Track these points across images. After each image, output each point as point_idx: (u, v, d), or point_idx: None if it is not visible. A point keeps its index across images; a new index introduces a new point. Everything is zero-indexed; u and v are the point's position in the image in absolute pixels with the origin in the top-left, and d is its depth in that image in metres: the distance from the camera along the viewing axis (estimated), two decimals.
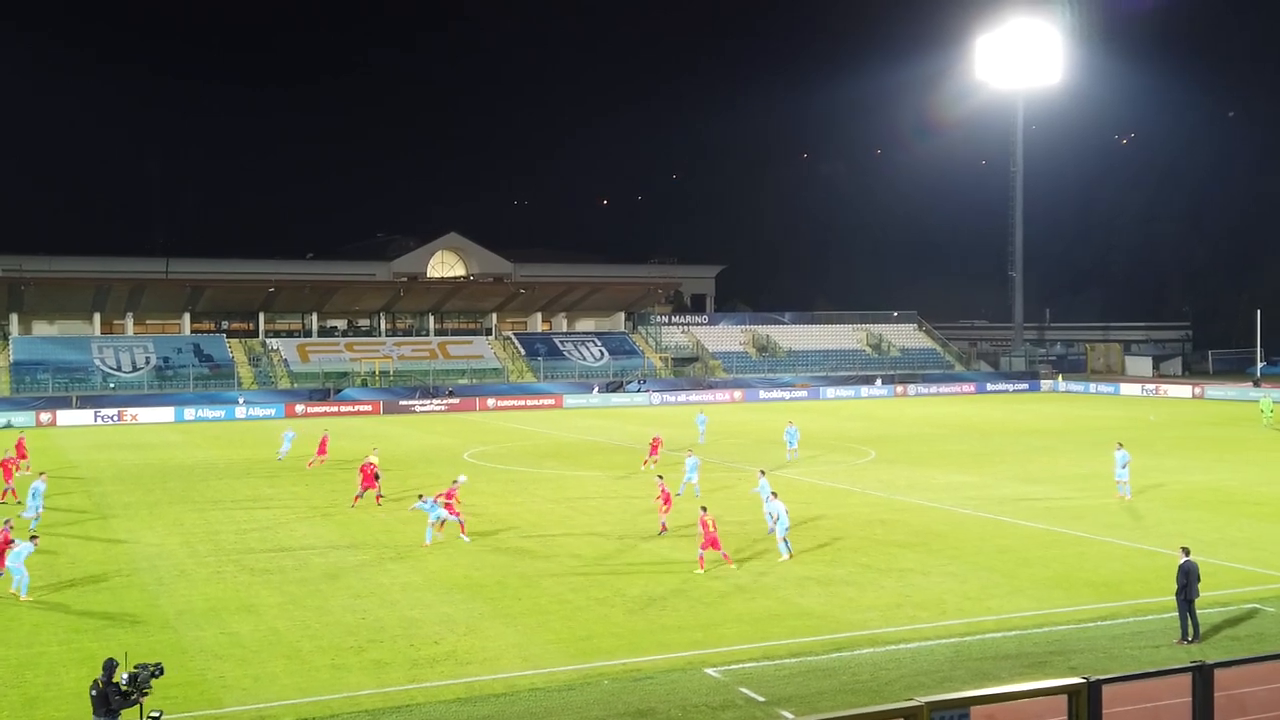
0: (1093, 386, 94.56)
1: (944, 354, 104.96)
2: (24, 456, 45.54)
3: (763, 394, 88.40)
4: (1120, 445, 37.86)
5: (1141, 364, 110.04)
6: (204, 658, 20.39)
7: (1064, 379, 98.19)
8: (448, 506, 30.90)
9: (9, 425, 64.96)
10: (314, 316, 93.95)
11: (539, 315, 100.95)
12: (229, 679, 19.23)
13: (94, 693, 15.10)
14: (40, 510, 32.72)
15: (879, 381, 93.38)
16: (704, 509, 27.81)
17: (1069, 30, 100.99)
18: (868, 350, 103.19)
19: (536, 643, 21.20)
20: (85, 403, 73.86)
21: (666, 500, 31.21)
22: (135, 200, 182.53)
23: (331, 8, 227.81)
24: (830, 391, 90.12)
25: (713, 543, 26.49)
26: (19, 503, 35.35)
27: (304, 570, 27.34)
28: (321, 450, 46.96)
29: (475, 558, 28.56)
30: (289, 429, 53.45)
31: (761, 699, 17.96)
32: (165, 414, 73.48)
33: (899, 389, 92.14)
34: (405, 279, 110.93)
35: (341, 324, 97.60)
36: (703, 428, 53.39)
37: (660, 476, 33.00)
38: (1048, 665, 19.36)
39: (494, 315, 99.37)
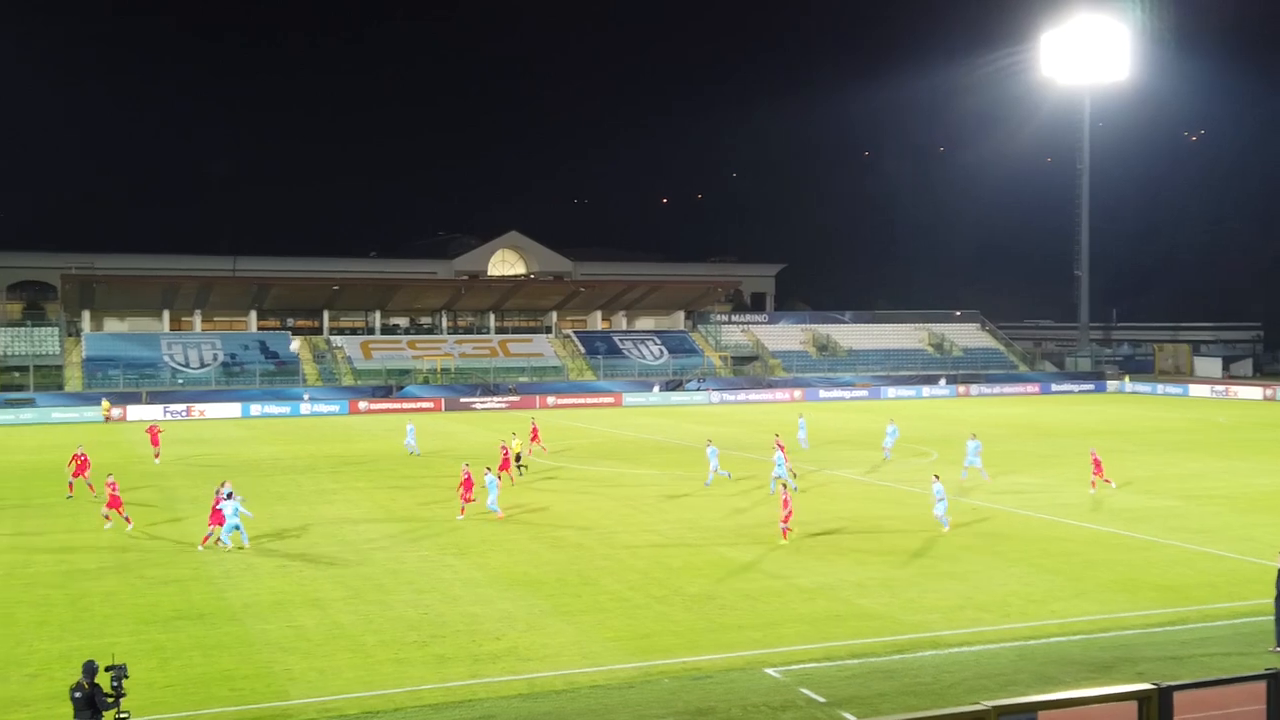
0: (1160, 388, 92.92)
1: (1007, 354, 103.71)
2: (156, 444, 49.33)
3: (823, 393, 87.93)
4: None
5: (1211, 365, 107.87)
6: (270, 650, 20.69)
7: (1131, 380, 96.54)
8: (503, 466, 37.18)
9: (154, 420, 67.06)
10: (377, 314, 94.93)
11: (599, 314, 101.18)
12: (295, 671, 19.50)
13: (77, 695, 14.58)
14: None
15: (942, 381, 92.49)
16: (785, 486, 30.53)
17: (1136, 26, 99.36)
18: (929, 350, 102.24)
19: (596, 640, 21.26)
20: (154, 398, 75.24)
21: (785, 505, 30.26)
22: (204, 199, 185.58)
23: (399, 8, 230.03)
24: (891, 391, 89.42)
25: (787, 517, 29.31)
26: (96, 497, 35.92)
27: (367, 565, 27.65)
28: (534, 438, 49.98)
29: (535, 555, 28.72)
30: (409, 422, 54.63)
31: (822, 700, 17.87)
32: (232, 409, 74.68)
33: (961, 389, 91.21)
34: (466, 277, 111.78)
35: (404, 322, 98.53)
36: (803, 431, 52.82)
37: (785, 486, 32.85)
38: (1114, 670, 19.07)
39: (554, 313, 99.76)
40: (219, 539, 29.51)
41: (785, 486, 31.68)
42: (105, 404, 71.58)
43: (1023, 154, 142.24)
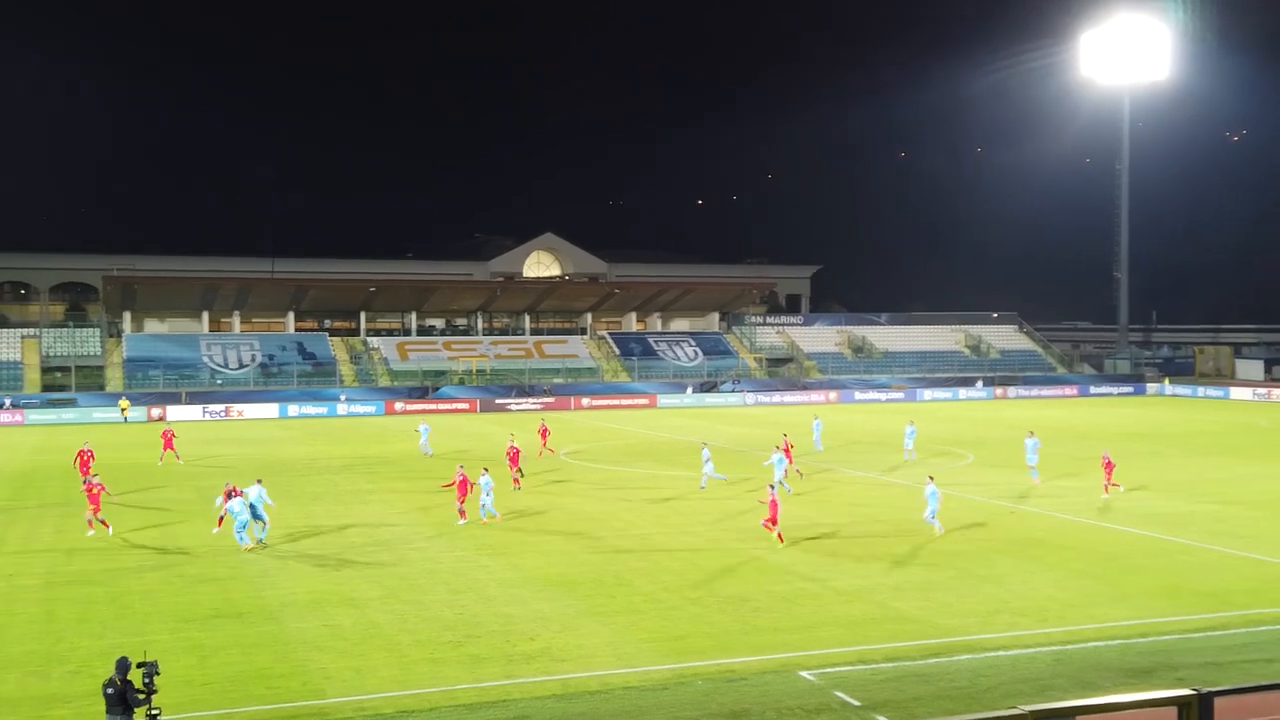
0: (1201, 390, 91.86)
1: (1045, 356, 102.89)
2: (170, 447, 49.26)
3: (858, 395, 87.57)
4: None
5: (1253, 367, 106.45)
6: (306, 649, 20.84)
7: (1171, 382, 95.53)
8: (513, 463, 39.37)
9: (163, 418, 67.43)
10: (413, 316, 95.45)
11: (633, 315, 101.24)
12: (331, 670, 19.63)
13: (109, 691, 14.66)
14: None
15: (979, 383, 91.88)
16: (772, 487, 30.13)
17: (1177, 25, 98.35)
18: (966, 352, 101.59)
19: (630, 641, 21.27)
20: (194, 398, 76.04)
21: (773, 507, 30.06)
22: (243, 202, 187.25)
23: (434, 11, 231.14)
24: (927, 393, 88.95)
25: (773, 519, 29.07)
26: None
27: (402, 565, 27.80)
28: (543, 440, 50.00)
29: (569, 556, 28.76)
30: (422, 423, 54.73)
31: (857, 703, 17.79)
32: (270, 410, 75.33)
33: (999, 391, 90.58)
34: (502, 279, 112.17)
35: (440, 323, 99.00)
36: (818, 433, 52.82)
37: (771, 486, 32.33)
38: (1153, 676, 18.87)
39: (589, 315, 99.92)
40: (242, 539, 29.61)
41: (771, 488, 31.00)
42: (123, 403, 72.22)
43: (1061, 154, 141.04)
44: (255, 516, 30.15)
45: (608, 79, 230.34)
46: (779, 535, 29.45)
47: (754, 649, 20.67)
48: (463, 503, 33.06)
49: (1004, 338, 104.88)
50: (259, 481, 31.84)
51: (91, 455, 41.16)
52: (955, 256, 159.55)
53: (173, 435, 50.77)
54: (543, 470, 45.68)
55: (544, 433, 50.89)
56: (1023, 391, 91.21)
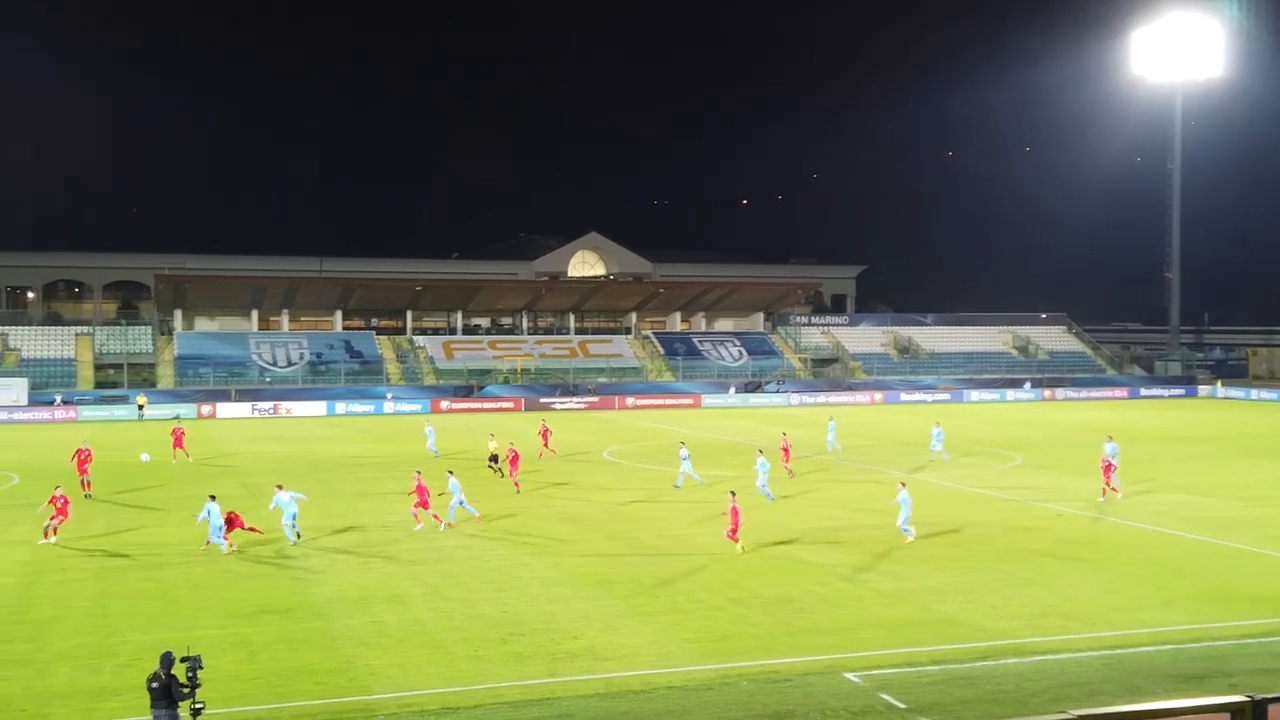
0: (1255, 393, 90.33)
1: (1095, 357, 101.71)
2: (180, 446, 48.35)
3: (904, 396, 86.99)
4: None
5: None
6: (353, 645, 21.01)
7: (1223, 385, 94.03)
8: (513, 465, 39.21)
9: (177, 417, 67.72)
10: (459, 315, 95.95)
11: (678, 315, 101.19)
12: (376, 667, 19.78)
13: (154, 685, 14.77)
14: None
15: (1027, 385, 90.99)
16: (733, 494, 29.73)
17: (1230, 22, 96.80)
18: (1014, 353, 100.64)
19: (673, 641, 21.26)
20: (243, 396, 76.89)
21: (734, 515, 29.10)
22: (291, 201, 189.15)
23: (473, 11, 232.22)
24: (974, 394, 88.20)
25: (735, 527, 28.58)
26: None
27: (447, 563, 27.95)
28: (544, 441, 49.82)
29: (611, 555, 28.80)
30: (428, 424, 54.86)
31: (902, 706, 17.68)
32: (317, 408, 76.01)
33: (1047, 393, 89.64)
34: (546, 278, 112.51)
35: (485, 322, 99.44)
36: (832, 434, 52.72)
37: (732, 493, 30.56)
38: (1205, 682, 18.60)
39: (633, 314, 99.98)
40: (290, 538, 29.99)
41: (732, 495, 30.02)
42: (141, 399, 72.76)
43: (1111, 153, 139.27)
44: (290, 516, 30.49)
45: (652, 78, 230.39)
46: (735, 540, 28.55)
47: (797, 650, 20.60)
48: (425, 508, 32.14)
49: (1052, 339, 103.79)
50: (280, 487, 31.54)
51: (89, 455, 40.54)
52: (1003, 257, 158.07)
53: (182, 433, 50.25)
54: (584, 470, 45.80)
55: (545, 434, 50.43)
56: (1071, 393, 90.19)
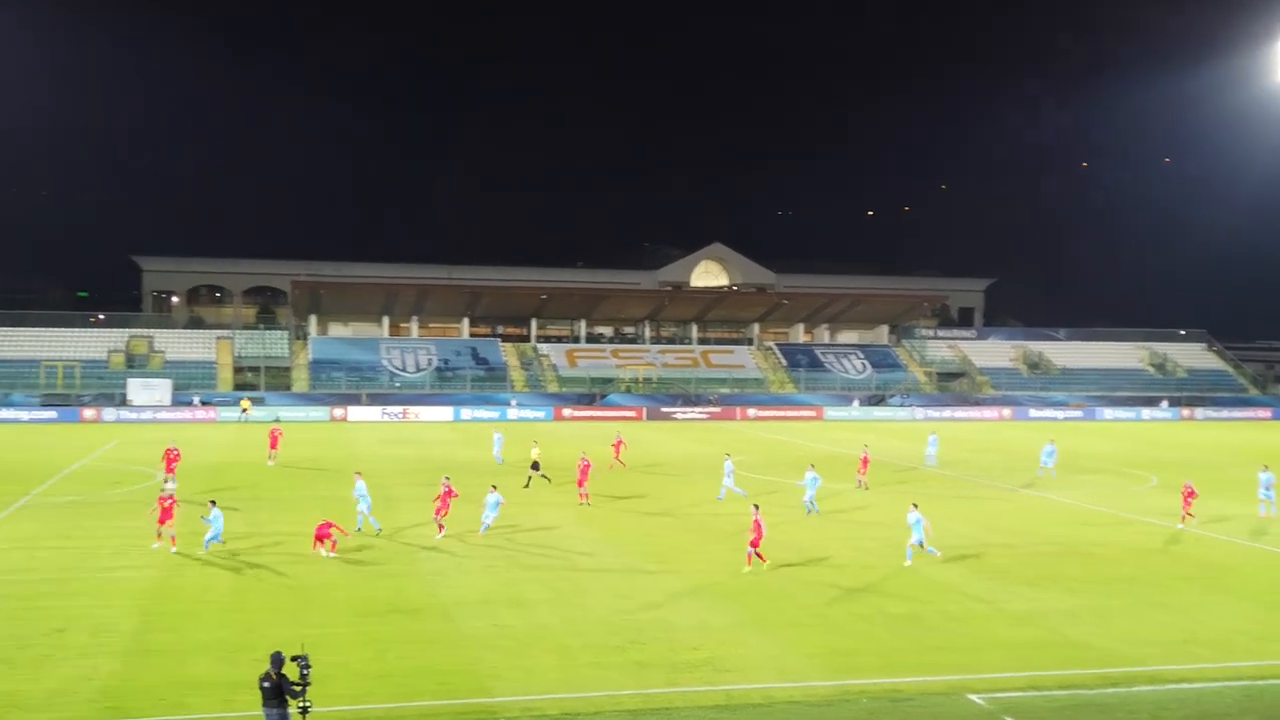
0: None
1: (1237, 376, 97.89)
2: (275, 447, 50.63)
3: (1033, 412, 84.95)
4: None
5: None
6: (477, 648, 21.38)
7: None
8: (582, 478, 38.59)
9: (277, 420, 69.54)
10: (582, 323, 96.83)
11: (800, 326, 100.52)
12: (499, 669, 20.10)
13: (265, 684, 15.10)
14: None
15: (1165, 404, 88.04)
16: (756, 507, 28.96)
17: None
18: (1150, 370, 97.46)
19: (794, 655, 21.14)
20: (374, 400, 78.83)
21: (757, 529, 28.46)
22: (421, 211, 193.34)
23: (603, 23, 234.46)
24: (1108, 413, 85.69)
25: (756, 541, 27.88)
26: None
27: (570, 569, 28.25)
28: (616, 453, 49.86)
29: (734, 566, 28.72)
30: (496, 431, 55.84)
31: None
32: (444, 413, 77.54)
33: (1185, 412, 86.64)
34: (670, 288, 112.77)
35: (608, 331, 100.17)
36: (933, 448, 51.80)
37: (755, 506, 29.65)
38: None
39: (756, 325, 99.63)
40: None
41: (755, 508, 29.00)
42: (245, 402, 74.42)
43: (1255, 164, 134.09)
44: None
45: (777, 89, 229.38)
46: (756, 557, 27.95)
47: (920, 669, 20.31)
48: (443, 515, 32.11)
49: (1191, 356, 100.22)
50: (359, 474, 33.56)
51: (178, 455, 41.35)
52: (1140, 271, 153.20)
53: (279, 434, 51.76)
54: (707, 481, 45.81)
55: (618, 445, 50.36)
56: (1211, 413, 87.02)
